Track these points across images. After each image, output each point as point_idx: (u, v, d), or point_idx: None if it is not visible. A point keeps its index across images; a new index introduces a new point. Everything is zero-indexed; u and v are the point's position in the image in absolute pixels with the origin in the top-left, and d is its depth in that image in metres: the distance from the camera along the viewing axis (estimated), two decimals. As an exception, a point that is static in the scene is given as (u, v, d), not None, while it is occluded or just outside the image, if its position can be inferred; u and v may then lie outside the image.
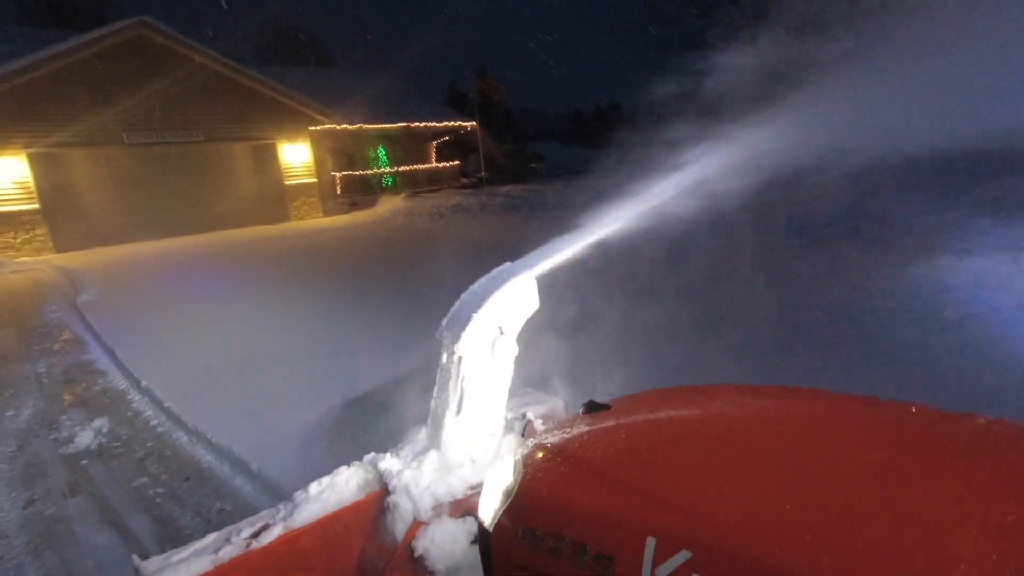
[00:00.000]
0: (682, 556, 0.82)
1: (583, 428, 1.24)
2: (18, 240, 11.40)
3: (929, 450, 0.95)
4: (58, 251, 11.76)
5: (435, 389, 1.62)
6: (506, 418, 1.72)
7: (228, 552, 1.36)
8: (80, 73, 11.80)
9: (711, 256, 5.37)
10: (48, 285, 8.35)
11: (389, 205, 15.05)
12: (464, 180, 23.38)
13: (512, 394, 1.74)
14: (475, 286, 1.58)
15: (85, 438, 3.37)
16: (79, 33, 12.46)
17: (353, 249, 9.79)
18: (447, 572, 1.47)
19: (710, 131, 1.91)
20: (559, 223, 1.93)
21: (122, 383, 4.25)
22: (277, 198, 15.17)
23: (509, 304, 1.55)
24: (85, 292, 7.21)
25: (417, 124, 19.98)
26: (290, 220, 15.25)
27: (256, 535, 1.41)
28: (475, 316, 1.48)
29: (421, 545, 1.48)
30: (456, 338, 1.50)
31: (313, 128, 15.72)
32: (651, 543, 0.86)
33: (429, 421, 1.66)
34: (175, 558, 1.35)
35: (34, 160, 11.44)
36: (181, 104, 13.22)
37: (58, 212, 11.85)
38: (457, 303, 1.58)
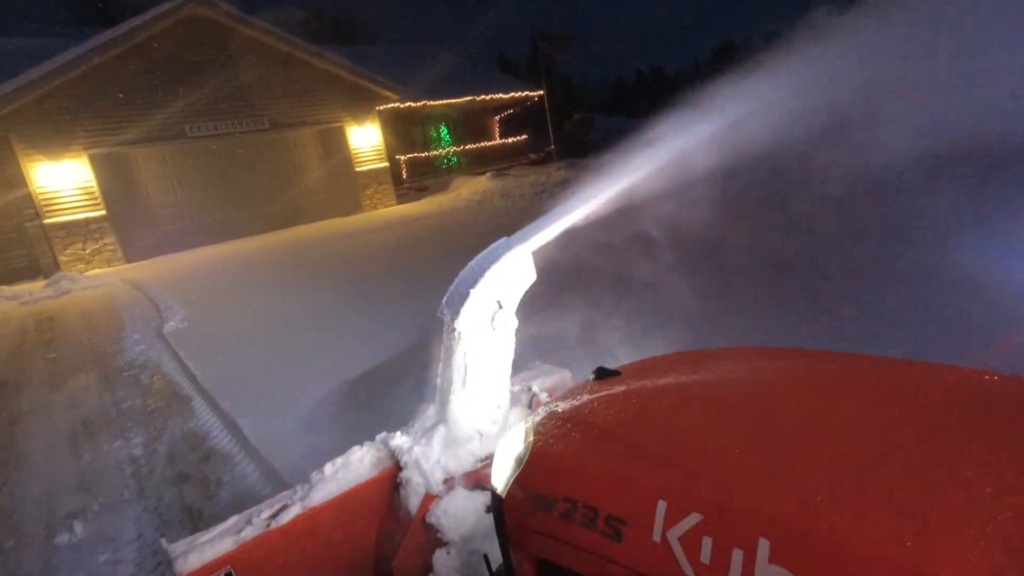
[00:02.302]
0: (693, 518, 0.80)
1: (593, 394, 1.19)
2: (87, 251, 10.39)
3: (942, 407, 0.90)
4: (128, 261, 10.72)
5: (440, 366, 1.59)
6: (512, 391, 1.69)
7: (250, 532, 1.38)
8: (135, 62, 10.59)
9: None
10: (125, 305, 7.12)
11: (471, 187, 13.39)
12: (532, 156, 21.50)
13: (520, 368, 1.82)
14: (472, 262, 1.55)
15: (243, 642, 1.86)
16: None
17: (469, 244, 8.17)
18: (461, 541, 1.48)
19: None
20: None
21: (263, 485, 2.75)
22: (348, 187, 13.74)
23: (506, 278, 1.51)
24: (171, 316, 5.89)
25: (484, 96, 18.17)
26: (364, 210, 13.81)
27: (276, 515, 1.43)
28: (472, 292, 1.46)
29: (434, 517, 1.49)
30: (456, 314, 1.47)
31: (381, 108, 14.17)
32: (662, 506, 0.84)
33: (436, 398, 1.64)
34: (201, 540, 1.36)
35: (96, 162, 10.34)
36: (243, 89, 11.88)
37: (125, 218, 10.78)
38: (456, 280, 1.55)
